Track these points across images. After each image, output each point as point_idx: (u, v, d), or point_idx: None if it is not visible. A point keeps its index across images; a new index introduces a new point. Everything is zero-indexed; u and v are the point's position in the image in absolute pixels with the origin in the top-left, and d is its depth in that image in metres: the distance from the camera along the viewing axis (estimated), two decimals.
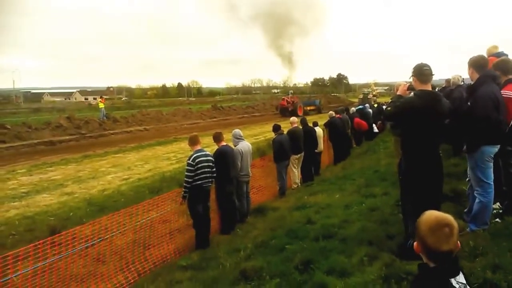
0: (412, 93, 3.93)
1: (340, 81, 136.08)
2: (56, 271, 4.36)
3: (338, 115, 13.13)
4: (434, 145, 3.89)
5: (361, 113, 15.78)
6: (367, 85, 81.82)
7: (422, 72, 3.82)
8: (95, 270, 4.88)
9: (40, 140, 21.62)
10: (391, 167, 7.71)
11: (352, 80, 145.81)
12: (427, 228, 1.67)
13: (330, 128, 12.60)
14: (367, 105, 18.81)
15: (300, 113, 36.43)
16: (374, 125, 15.69)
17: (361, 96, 49.69)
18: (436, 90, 4.58)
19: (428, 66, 3.86)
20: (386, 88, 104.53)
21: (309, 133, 10.55)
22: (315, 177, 10.70)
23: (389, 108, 4.06)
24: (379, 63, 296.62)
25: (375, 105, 21.72)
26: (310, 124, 11.21)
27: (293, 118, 10.59)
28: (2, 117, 38.78)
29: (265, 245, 5.18)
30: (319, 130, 11.27)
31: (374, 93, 52.38)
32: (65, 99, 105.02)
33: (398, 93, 4.21)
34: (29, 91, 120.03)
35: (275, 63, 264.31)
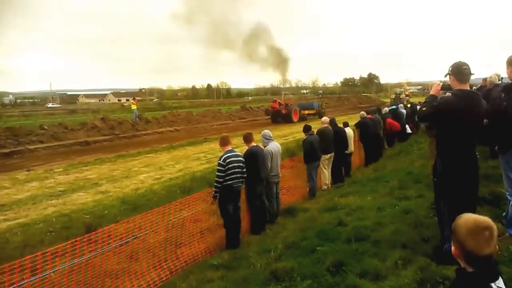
0: (447, 93, 3.81)
1: (371, 80, 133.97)
2: (92, 267, 4.49)
3: (369, 116, 12.89)
4: (471, 146, 3.77)
5: (394, 114, 15.41)
6: (399, 85, 79.89)
7: (461, 71, 3.69)
8: (128, 267, 5.00)
9: (75, 140, 22.39)
10: (425, 169, 7.50)
11: (383, 80, 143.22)
12: (466, 231, 1.62)
13: (361, 128, 12.39)
14: (400, 105, 18.33)
15: (295, 118, 32.56)
16: (407, 126, 15.31)
17: (393, 96, 48.10)
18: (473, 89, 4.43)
19: (467, 65, 3.73)
20: (419, 87, 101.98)
21: (339, 134, 10.42)
22: (346, 178, 10.55)
23: (424, 109, 3.95)
24: (412, 62, 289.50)
25: (408, 105, 21.16)
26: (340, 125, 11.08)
27: (325, 118, 10.50)
28: (40, 118, 40.44)
29: (295, 246, 5.15)
30: (349, 131, 11.11)
31: (406, 93, 50.71)
32: (99, 100, 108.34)
33: (431, 92, 4.08)
34: (65, 93, 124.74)
35: (302, 64, 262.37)
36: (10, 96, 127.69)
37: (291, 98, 40.21)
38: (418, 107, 16.62)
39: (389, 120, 14.28)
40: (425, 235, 4.60)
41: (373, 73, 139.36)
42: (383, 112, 15.20)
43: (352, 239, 4.83)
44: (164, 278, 5.17)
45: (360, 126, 12.46)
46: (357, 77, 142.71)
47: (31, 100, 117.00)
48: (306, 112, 35.65)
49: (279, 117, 32.34)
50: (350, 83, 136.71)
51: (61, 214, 8.79)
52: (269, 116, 33.94)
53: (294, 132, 22.60)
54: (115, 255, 4.84)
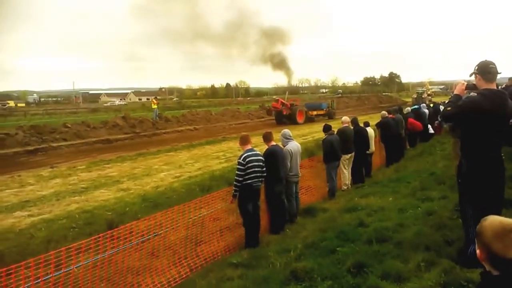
0: (472, 92, 3.72)
1: (392, 79, 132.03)
2: (114, 263, 4.57)
3: (391, 115, 12.70)
4: (496, 147, 3.69)
5: (417, 113, 15.12)
6: (421, 84, 78.46)
7: (487, 70, 3.60)
8: (149, 264, 5.06)
9: (98, 139, 22.84)
10: (449, 170, 7.35)
11: (405, 79, 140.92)
12: (492, 234, 1.58)
13: (382, 128, 12.22)
14: (423, 105, 17.99)
15: (300, 119, 29.92)
16: (429, 126, 15.02)
17: (414, 96, 47.27)
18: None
19: (494, 64, 3.64)
20: (441, 87, 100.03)
21: (359, 133, 10.30)
22: (366, 179, 10.43)
23: (449, 108, 3.87)
24: (435, 61, 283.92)
25: (431, 105, 20.76)
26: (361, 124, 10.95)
27: (345, 118, 10.38)
28: (63, 116, 41.37)
29: (315, 246, 5.12)
30: (370, 131, 10.98)
31: (429, 92, 49.71)
32: (121, 99, 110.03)
33: (455, 92, 3.99)
34: (88, 92, 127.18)
35: (321, 63, 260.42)
36: (35, 94, 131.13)
37: (297, 98, 37.47)
38: (441, 106, 16.37)
39: (411, 119, 14.03)
40: (449, 237, 4.52)
41: (394, 72, 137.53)
42: (405, 112, 14.96)
43: (373, 240, 4.78)
44: (184, 276, 5.22)
45: (381, 126, 12.29)
46: (377, 76, 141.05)
47: (54, 99, 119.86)
48: (314, 112, 33.19)
49: (283, 117, 29.91)
50: (370, 82, 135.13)
51: (84, 211, 8.97)
52: (271, 117, 31.62)
53: (313, 132, 22.48)
54: (137, 251, 4.91)
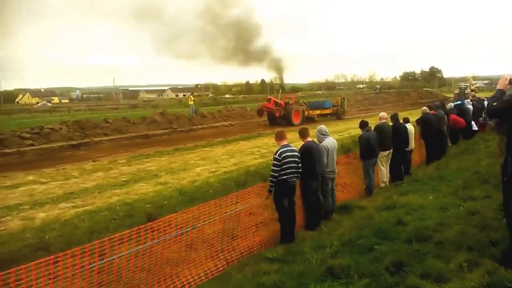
0: None
1: (433, 74, 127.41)
2: (155, 254, 4.71)
3: (432, 111, 12.27)
4: None
5: (460, 109, 14.53)
6: (464, 79, 75.33)
7: None
8: (187, 256, 5.18)
9: (137, 134, 23.52)
10: (494, 168, 7.07)
11: (447, 74, 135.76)
12: None
13: (423, 125, 11.83)
14: (467, 100, 17.25)
15: (296, 120, 26.59)
16: (473, 122, 14.41)
17: (457, 91, 45.40)
18: None
19: None
20: (486, 82, 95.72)
21: (399, 130, 10.03)
22: (405, 176, 10.14)
23: (494, 104, 3.72)
24: (478, 55, 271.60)
25: (475, 101, 19.92)
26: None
27: (382, 114, 10.12)
28: (104, 112, 42.88)
29: (352, 243, 5.07)
30: (410, 127, 10.67)
31: (472, 87, 47.61)
32: (158, 96, 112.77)
33: (498, 87, 3.85)
34: (127, 89, 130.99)
35: (358, 58, 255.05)
36: (77, 91, 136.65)
37: (292, 96, 32.65)
38: (486, 102, 15.65)
39: (453, 116, 13.49)
40: (493, 238, 4.37)
41: (435, 66, 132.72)
42: (447, 108, 14.39)
43: (412, 239, 4.68)
44: (221, 268, 5.31)
45: (422, 122, 11.90)
46: (417, 71, 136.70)
47: (96, 95, 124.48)
48: (317, 112, 29.59)
49: (277, 118, 26.91)
50: (410, 78, 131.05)
51: (124, 203, 9.28)
52: (262, 117, 28.44)
53: (350, 128, 22.13)
54: (176, 243, 5.03)
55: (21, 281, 3.51)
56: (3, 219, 8.48)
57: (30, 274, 3.59)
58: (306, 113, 28.51)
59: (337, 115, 30.38)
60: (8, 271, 3.52)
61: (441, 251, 4.24)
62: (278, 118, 26.97)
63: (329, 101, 32.51)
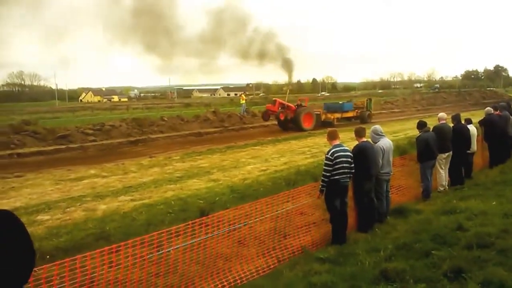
0: None
1: (497, 73, 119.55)
2: (209, 248, 4.84)
3: (497, 112, 11.53)
4: None
5: None
6: None
7: None
8: (239, 252, 5.27)
9: (190, 132, 24.22)
10: None
11: None
12: None
13: (486, 126, 11.15)
14: None
15: (307, 124, 23.96)
16: None
17: None
18: None
19: None
20: None
21: (461, 131, 9.53)
22: (466, 180, 9.62)
23: None
24: None
25: None
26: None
27: (442, 114, 9.66)
28: (160, 110, 44.54)
29: (407, 247, 4.91)
30: (472, 128, 10.10)
31: None
32: (211, 95, 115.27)
33: None
34: (182, 88, 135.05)
35: (416, 56, 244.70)
36: (135, 90, 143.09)
37: (305, 98, 29.16)
38: None
39: None
40: None
41: (500, 65, 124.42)
42: None
43: (473, 245, 4.46)
44: (272, 266, 5.34)
45: (485, 124, 11.22)
46: (481, 70, 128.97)
47: (152, 94, 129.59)
48: (337, 115, 26.27)
49: (287, 122, 24.31)
50: (472, 76, 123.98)
51: (179, 198, 9.59)
52: (266, 122, 25.91)
53: (406, 129, 21.36)
54: (228, 239, 5.14)
55: (86, 268, 3.75)
56: (68, 209, 9.07)
57: (95, 261, 3.83)
58: (323, 116, 25.82)
59: (362, 119, 26.60)
60: (74, 257, 3.77)
61: (504, 259, 4.00)
62: (286, 122, 24.38)
63: (349, 103, 28.95)
